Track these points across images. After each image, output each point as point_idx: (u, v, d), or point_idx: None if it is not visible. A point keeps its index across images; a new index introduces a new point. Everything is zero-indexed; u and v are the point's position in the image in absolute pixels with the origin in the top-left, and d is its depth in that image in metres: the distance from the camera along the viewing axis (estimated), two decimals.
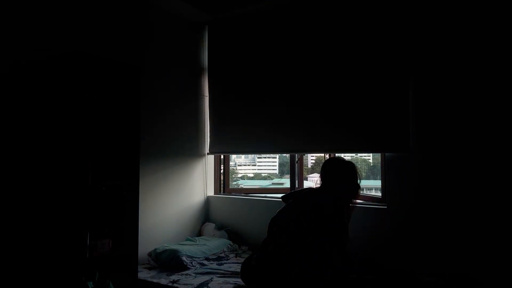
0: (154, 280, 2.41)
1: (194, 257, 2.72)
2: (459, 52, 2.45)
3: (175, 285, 2.32)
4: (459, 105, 2.43)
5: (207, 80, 3.54)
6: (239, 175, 4.25)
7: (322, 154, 3.36)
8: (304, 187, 3.36)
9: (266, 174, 4.23)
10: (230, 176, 3.73)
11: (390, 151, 2.67)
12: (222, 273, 2.52)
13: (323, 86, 2.92)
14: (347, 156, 3.47)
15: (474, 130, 2.38)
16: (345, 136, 2.81)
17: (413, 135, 2.58)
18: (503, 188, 2.29)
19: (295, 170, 3.30)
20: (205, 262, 2.74)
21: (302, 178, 3.37)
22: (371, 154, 3.34)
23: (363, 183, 3.46)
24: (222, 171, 3.67)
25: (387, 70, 2.67)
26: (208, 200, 3.54)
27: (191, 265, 2.63)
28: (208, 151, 3.53)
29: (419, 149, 2.55)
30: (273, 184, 4.07)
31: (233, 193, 3.61)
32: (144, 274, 2.52)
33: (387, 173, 2.71)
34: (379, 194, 2.88)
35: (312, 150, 3.19)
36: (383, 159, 2.78)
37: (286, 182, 3.80)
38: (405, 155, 2.60)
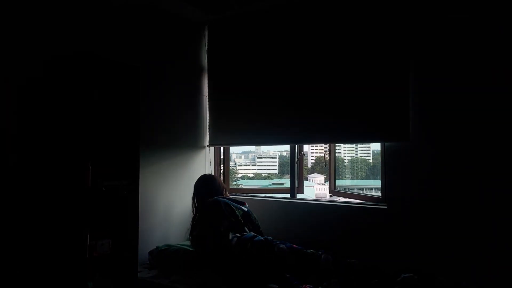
0: (154, 280, 2.41)
1: None
2: (463, 32, 2.40)
3: (175, 285, 2.32)
4: (461, 101, 2.42)
5: (207, 80, 3.54)
6: (239, 175, 4.25)
7: (322, 155, 3.36)
8: (304, 187, 3.38)
9: (266, 174, 4.24)
10: (230, 176, 3.73)
11: (390, 140, 2.66)
12: None
13: (320, 76, 2.91)
14: (346, 147, 3.49)
15: (477, 127, 2.37)
16: (344, 126, 2.81)
17: (413, 126, 2.55)
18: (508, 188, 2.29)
19: (295, 170, 3.30)
20: None
21: (302, 178, 3.37)
22: (371, 154, 3.34)
23: (363, 183, 3.49)
24: (222, 171, 3.67)
25: (386, 56, 2.64)
26: None
27: None
28: (208, 145, 3.54)
29: (418, 147, 2.55)
30: (273, 184, 4.07)
31: (233, 193, 3.60)
32: (144, 274, 2.51)
33: (387, 173, 2.70)
34: (379, 194, 2.88)
35: (311, 141, 3.17)
36: (383, 158, 2.77)
37: (286, 182, 3.80)
38: (405, 155, 2.60)
